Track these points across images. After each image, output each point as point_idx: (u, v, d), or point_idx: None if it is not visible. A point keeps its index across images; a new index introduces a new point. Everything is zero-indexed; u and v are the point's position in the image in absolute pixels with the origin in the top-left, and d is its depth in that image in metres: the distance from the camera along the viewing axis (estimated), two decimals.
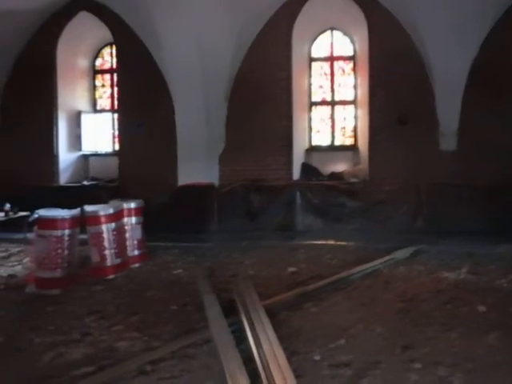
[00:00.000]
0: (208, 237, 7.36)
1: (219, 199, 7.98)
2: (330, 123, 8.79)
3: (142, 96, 8.34)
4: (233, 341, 3.02)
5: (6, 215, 6.76)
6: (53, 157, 8.77)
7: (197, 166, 7.92)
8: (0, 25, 7.98)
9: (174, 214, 7.53)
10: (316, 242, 6.87)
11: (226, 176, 8.22)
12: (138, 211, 5.91)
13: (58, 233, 4.87)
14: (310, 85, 8.82)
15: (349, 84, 8.75)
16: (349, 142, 8.79)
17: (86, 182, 8.79)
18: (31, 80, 8.77)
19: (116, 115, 9.03)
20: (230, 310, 3.70)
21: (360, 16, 7.83)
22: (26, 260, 5.85)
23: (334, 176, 8.30)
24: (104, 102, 9.59)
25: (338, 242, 6.86)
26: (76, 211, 5.15)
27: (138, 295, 4.47)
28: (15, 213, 6.88)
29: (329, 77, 8.80)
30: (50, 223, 4.91)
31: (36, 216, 5.04)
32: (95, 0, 8.14)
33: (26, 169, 8.56)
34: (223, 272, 5.30)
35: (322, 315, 3.84)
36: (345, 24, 8.50)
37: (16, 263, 5.94)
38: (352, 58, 8.67)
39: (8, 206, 6.87)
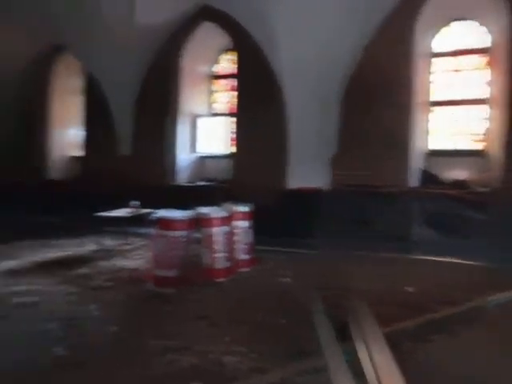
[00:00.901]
0: (316, 243, 6.98)
1: (328, 204, 7.55)
2: (453, 125, 7.75)
3: (258, 100, 8.27)
4: (351, 379, 2.60)
5: (133, 212, 7.27)
6: (173, 157, 9.23)
7: (307, 170, 7.59)
8: (138, 38, 8.71)
9: (282, 218, 7.31)
10: (436, 258, 6.03)
11: (337, 181, 7.75)
12: (248, 215, 5.79)
13: (176, 233, 4.95)
14: (430, 83, 7.88)
15: (477, 81, 7.57)
16: (476, 145, 7.63)
17: (201, 183, 9.11)
18: (159, 85, 9.37)
19: (232, 119, 9.14)
20: (343, 332, 3.28)
21: (498, 2, 6.69)
22: (148, 255, 6.12)
23: (458, 184, 7.26)
24: (220, 106, 9.83)
25: (463, 261, 5.93)
26: (192, 213, 5.20)
27: (246, 303, 4.28)
28: (140, 210, 7.35)
29: (453, 73, 7.75)
30: (169, 224, 5.01)
31: (156, 215, 5.21)
32: (217, 10, 8.33)
33: (150, 168, 9.19)
34: (333, 284, 4.87)
35: (457, 353, 3.15)
36: (477, 13, 7.36)
37: (139, 257, 6.27)
38: (484, 52, 7.48)
39: (136, 203, 7.39)
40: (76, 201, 9.80)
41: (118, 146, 9.80)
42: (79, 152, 11.39)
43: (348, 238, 6.98)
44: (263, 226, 6.18)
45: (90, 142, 10.87)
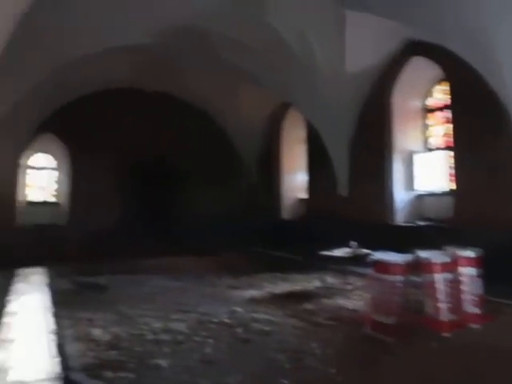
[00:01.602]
0: None
1: None
2: None
3: (479, 132, 7.23)
4: None
5: (353, 252, 7.37)
6: (389, 196, 8.96)
7: None
8: (350, 85, 9.16)
9: None
10: None
11: None
12: (476, 261, 4.98)
13: (392, 278, 4.70)
14: None
15: None
16: None
17: (419, 223, 8.44)
18: (372, 125, 9.44)
19: (450, 153, 8.26)
20: None
21: None
22: (366, 297, 6.01)
23: None
24: (436, 140, 9.06)
25: None
26: (410, 257, 4.88)
27: (480, 371, 3.58)
28: (359, 250, 7.39)
29: None
30: (385, 267, 4.82)
31: (373, 257, 5.12)
32: (424, 42, 7.90)
33: (367, 208, 9.16)
34: None
35: None
36: None
37: (359, 298, 6.23)
38: None
39: (354, 243, 7.49)
40: (302, 238, 10.69)
41: (337, 187, 10.23)
42: (304, 194, 12.48)
43: None
44: (496, 275, 5.20)
45: (312, 185, 11.79)
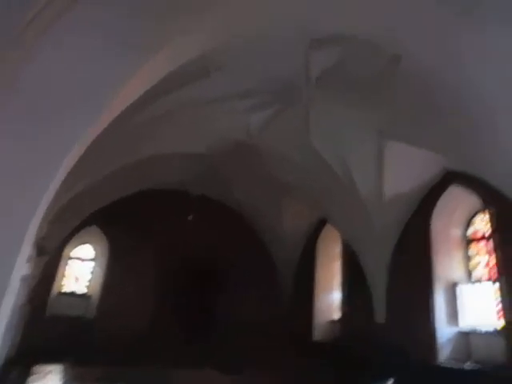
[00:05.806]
0: None
1: None
2: None
3: None
4: None
5: None
6: (430, 329, 8.11)
7: None
8: (387, 208, 9.14)
9: None
10: None
11: None
12: None
13: None
14: None
15: None
16: None
17: (466, 365, 7.35)
18: (411, 253, 9.06)
19: (496, 285, 7.62)
20: None
21: None
22: None
23: None
24: (480, 271, 8.46)
25: None
26: None
27: None
28: None
29: None
30: None
31: None
32: (465, 173, 7.91)
33: (405, 340, 8.29)
34: None
35: None
36: None
37: None
38: None
39: (391, 381, 6.64)
40: (334, 363, 9.69)
41: (373, 312, 9.51)
42: (337, 314, 11.62)
43: None
44: None
45: (346, 305, 11.05)
